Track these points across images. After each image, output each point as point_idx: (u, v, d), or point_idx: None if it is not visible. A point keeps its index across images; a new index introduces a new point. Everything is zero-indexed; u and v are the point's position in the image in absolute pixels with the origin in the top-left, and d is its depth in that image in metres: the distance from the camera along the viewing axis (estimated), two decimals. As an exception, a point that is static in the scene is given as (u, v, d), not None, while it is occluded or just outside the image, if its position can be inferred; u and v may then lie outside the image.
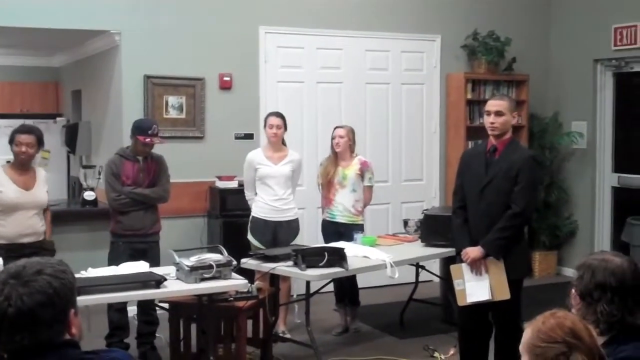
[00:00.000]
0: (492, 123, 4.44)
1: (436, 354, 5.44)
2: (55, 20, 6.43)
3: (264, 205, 5.80)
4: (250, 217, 5.86)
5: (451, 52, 7.90)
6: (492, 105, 4.49)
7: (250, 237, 5.82)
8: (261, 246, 5.70)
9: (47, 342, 1.78)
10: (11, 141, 4.94)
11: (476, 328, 4.58)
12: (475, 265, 4.44)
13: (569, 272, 7.63)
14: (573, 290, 2.39)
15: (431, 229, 5.71)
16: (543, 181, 7.86)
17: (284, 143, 5.93)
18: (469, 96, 7.80)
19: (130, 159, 5.35)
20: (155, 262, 5.13)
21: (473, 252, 4.43)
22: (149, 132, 5.27)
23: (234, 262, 4.65)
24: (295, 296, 6.14)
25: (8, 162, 5.14)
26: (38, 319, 1.76)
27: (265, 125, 5.88)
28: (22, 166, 4.96)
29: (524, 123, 8.02)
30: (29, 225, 4.89)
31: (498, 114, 4.42)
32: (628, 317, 2.32)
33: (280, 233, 5.78)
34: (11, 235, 4.84)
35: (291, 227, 5.84)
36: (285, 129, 5.86)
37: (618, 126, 7.93)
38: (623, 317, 2.31)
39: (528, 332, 1.93)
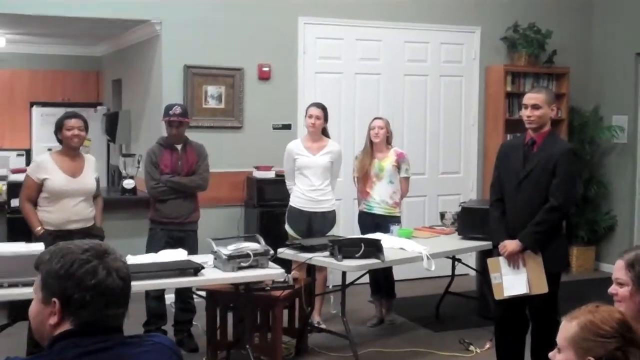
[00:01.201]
0: (528, 116, 4.40)
1: (472, 348, 5.42)
2: (97, 10, 6.52)
3: (301, 195, 5.83)
4: (288, 206, 5.90)
5: (491, 44, 7.83)
6: (529, 98, 4.45)
7: (286, 226, 5.86)
8: (296, 235, 5.73)
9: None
10: (59, 128, 4.95)
11: (512, 322, 4.54)
12: (513, 259, 4.41)
13: (608, 267, 7.54)
14: (627, 287, 2.35)
15: (468, 221, 5.69)
16: (582, 175, 7.77)
17: (326, 134, 5.94)
18: (509, 89, 7.73)
19: (169, 147, 5.42)
20: (192, 251, 5.17)
21: (511, 245, 4.40)
22: (170, 112, 5.38)
23: (271, 252, 4.67)
24: (330, 287, 6.16)
25: (50, 149, 5.19)
26: (129, 291, 1.84)
27: (305, 115, 5.90)
28: (71, 152, 4.97)
29: (564, 116, 7.93)
30: (75, 212, 4.92)
31: (535, 107, 4.38)
32: None
33: (315, 223, 5.80)
34: (58, 221, 4.88)
35: (327, 218, 5.85)
36: (326, 120, 5.88)
37: (660, 121, 7.81)
38: None
39: (573, 326, 1.89)
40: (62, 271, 1.76)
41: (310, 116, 5.80)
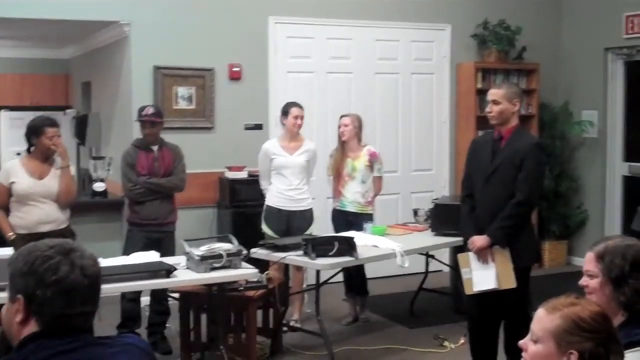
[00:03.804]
0: (488, 112, 4.47)
1: (446, 343, 5.45)
2: (64, 11, 6.44)
3: (279, 194, 5.82)
4: (265, 206, 5.88)
5: (461, 41, 7.86)
6: (489, 94, 4.52)
7: (264, 226, 5.84)
8: (275, 235, 5.72)
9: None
10: (37, 134, 4.90)
11: (485, 317, 4.56)
12: (482, 254, 4.43)
13: (579, 261, 7.58)
14: (597, 279, 2.36)
15: (441, 218, 5.71)
16: (551, 169, 7.83)
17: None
18: (479, 85, 7.77)
19: (145, 149, 5.39)
20: (169, 252, 5.17)
21: (479, 240, 4.42)
22: (143, 112, 5.38)
23: (244, 252, 4.65)
24: (305, 286, 6.15)
25: (19, 153, 5.15)
26: (98, 290, 1.81)
27: (286, 115, 5.87)
28: (45, 158, 4.97)
29: (534, 112, 7.99)
30: (46, 214, 4.92)
31: (494, 102, 4.43)
32: None
33: (293, 222, 5.81)
34: (29, 224, 4.88)
35: (305, 217, 5.86)
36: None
37: (629, 115, 7.88)
38: None
39: (555, 318, 1.85)
40: (25, 268, 1.76)
41: (296, 116, 5.81)
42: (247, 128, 6.99)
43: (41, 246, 1.79)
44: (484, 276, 4.43)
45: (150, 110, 5.40)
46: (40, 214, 4.91)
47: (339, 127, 6.00)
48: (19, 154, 5.83)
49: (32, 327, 1.75)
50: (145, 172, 5.36)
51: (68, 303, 1.75)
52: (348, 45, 7.43)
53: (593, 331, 1.82)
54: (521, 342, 1.93)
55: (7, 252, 4.05)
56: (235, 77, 6.96)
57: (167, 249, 5.21)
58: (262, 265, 5.05)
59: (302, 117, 5.86)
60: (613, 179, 7.97)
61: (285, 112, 5.88)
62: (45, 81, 9.63)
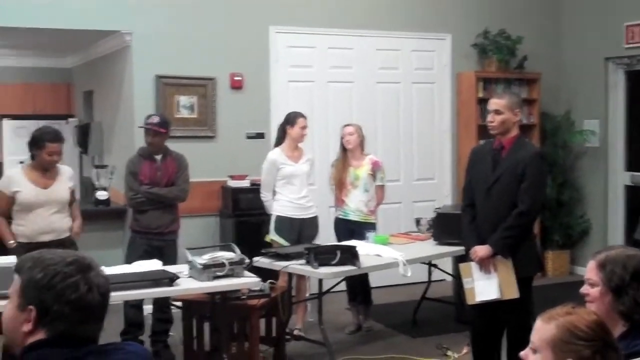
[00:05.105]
0: (490, 122, 4.44)
1: (449, 353, 5.43)
2: (67, 21, 6.46)
3: (288, 203, 5.84)
4: (275, 216, 5.88)
5: (462, 51, 7.88)
6: (491, 103, 4.49)
7: (275, 236, 5.84)
8: (287, 244, 5.72)
9: None
10: (38, 147, 4.88)
11: (487, 327, 4.55)
12: (484, 264, 4.42)
13: (582, 271, 7.57)
14: (598, 287, 2.37)
15: (444, 227, 5.70)
16: (555, 178, 7.84)
17: None
18: (480, 95, 7.77)
19: (148, 158, 5.39)
20: (171, 261, 5.17)
21: (481, 250, 4.41)
22: (148, 120, 5.39)
23: (247, 260, 4.65)
24: (308, 295, 6.14)
25: (22, 162, 5.15)
26: (108, 305, 1.84)
27: (292, 125, 5.88)
28: (45, 170, 4.96)
29: (536, 121, 8.00)
30: (48, 224, 4.91)
31: (497, 112, 4.41)
32: None
33: (305, 230, 5.87)
34: (31, 234, 4.87)
35: (314, 225, 5.95)
36: None
37: (630, 124, 7.89)
38: None
39: (551, 328, 1.87)
40: (43, 281, 1.75)
41: (303, 127, 5.86)
42: (249, 137, 7.01)
43: (59, 260, 1.79)
44: (486, 286, 4.42)
45: (155, 119, 5.40)
46: (43, 223, 4.90)
47: (343, 136, 6.01)
48: (22, 162, 5.83)
49: (38, 336, 1.76)
50: (147, 181, 5.36)
51: (81, 319, 1.77)
52: (349, 55, 7.44)
53: (589, 339, 1.83)
54: (522, 353, 1.95)
55: (8, 260, 4.06)
56: (236, 86, 6.98)
57: (169, 257, 5.21)
58: (264, 274, 5.04)
59: (307, 127, 5.94)
60: (615, 188, 7.97)
61: (291, 122, 5.89)
62: (48, 90, 9.65)
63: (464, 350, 5.36)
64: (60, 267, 1.77)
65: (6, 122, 9.17)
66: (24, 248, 4.67)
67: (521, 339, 4.17)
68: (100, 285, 1.80)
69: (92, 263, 1.82)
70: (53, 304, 1.74)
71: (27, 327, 1.76)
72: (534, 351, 1.90)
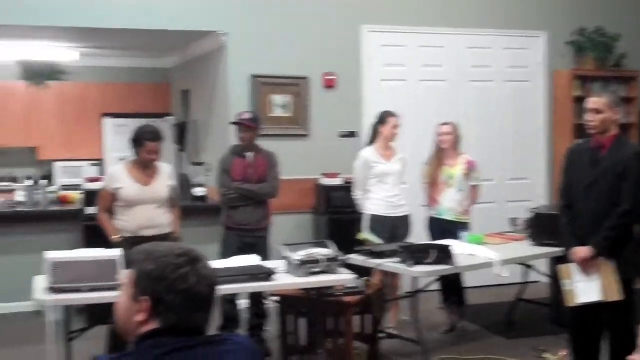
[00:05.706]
0: (590, 121, 4.35)
1: (546, 355, 5.34)
2: (165, 22, 6.68)
3: (381, 202, 5.87)
4: (369, 215, 5.91)
5: (557, 48, 7.74)
6: (591, 102, 4.40)
7: (368, 234, 5.86)
8: (381, 243, 5.74)
9: None
10: (138, 144, 5.01)
11: (587, 330, 4.47)
12: (585, 265, 4.35)
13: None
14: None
15: (541, 227, 5.60)
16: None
17: None
18: (577, 93, 7.61)
19: (240, 155, 5.51)
20: (263, 257, 5.22)
21: (582, 251, 4.32)
22: (239, 117, 5.50)
23: (342, 257, 4.69)
24: (400, 293, 6.14)
25: (122, 159, 5.30)
26: (214, 300, 1.90)
27: (384, 124, 5.91)
28: (145, 167, 5.11)
29: (635, 120, 7.77)
30: (149, 219, 5.03)
31: (597, 111, 4.32)
32: None
33: (399, 229, 5.88)
34: (133, 228, 5.01)
35: (407, 223, 5.95)
36: None
37: None
38: None
39: None
40: (156, 273, 1.82)
41: (394, 126, 5.88)
42: (342, 136, 7.06)
43: (169, 252, 1.85)
44: (587, 288, 4.33)
45: (246, 115, 5.53)
46: (145, 218, 5.03)
47: (438, 135, 5.99)
48: (122, 159, 6.01)
49: (152, 326, 1.83)
50: (239, 178, 5.47)
51: (192, 309, 1.83)
52: (441, 53, 7.42)
53: None
54: (631, 358, 1.91)
55: (112, 253, 4.20)
56: (329, 85, 7.04)
57: (261, 253, 5.22)
58: (356, 272, 5.06)
59: (399, 126, 5.92)
60: None
61: (383, 121, 5.92)
62: (148, 89, 9.92)
63: (562, 353, 5.26)
64: (171, 259, 1.82)
65: (108, 120, 9.50)
66: (129, 242, 4.83)
67: (626, 343, 4.11)
68: (208, 276, 1.85)
69: (200, 255, 1.87)
70: (166, 295, 1.80)
71: (140, 317, 1.82)
72: None
